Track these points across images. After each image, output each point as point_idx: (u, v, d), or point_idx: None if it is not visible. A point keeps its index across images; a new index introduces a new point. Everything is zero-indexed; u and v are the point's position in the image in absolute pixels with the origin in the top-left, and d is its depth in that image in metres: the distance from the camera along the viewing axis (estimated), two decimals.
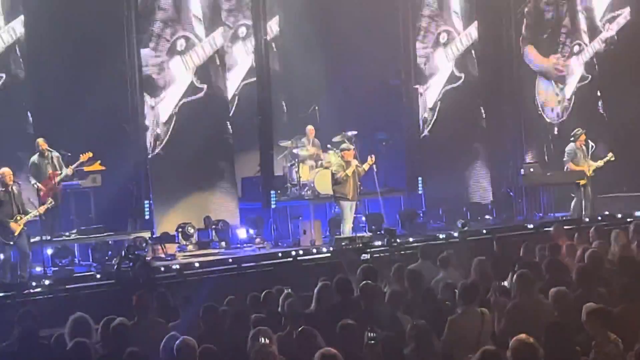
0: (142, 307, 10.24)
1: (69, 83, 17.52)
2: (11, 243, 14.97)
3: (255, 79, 19.99)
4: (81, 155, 16.53)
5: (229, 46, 20.26)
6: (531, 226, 18.91)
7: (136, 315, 10.13)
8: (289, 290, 11.02)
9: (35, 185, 16.27)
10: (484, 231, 18.52)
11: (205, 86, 18.84)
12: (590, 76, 23.71)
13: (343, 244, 16.75)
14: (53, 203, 15.75)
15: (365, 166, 17.78)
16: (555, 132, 23.22)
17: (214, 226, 18.02)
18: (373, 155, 17.96)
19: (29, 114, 17.29)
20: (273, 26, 21.07)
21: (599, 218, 19.27)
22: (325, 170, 18.67)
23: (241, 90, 20.50)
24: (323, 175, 18.73)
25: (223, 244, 17.87)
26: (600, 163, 20.36)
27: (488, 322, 9.64)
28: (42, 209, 15.55)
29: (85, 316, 9.58)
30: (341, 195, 17.58)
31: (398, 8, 21.16)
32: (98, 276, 15.06)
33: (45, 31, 17.55)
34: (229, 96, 19.71)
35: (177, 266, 15.56)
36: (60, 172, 16.42)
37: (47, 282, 14.63)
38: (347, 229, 17.55)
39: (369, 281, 10.75)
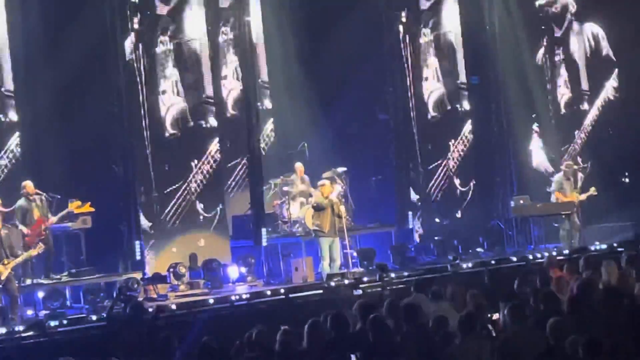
0: (135, 349, 10.19)
1: (58, 123, 17.56)
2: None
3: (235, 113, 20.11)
4: (69, 203, 16.52)
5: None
6: (522, 258, 18.91)
7: (129, 357, 10.07)
8: (286, 327, 10.96)
9: (21, 230, 16.17)
10: (476, 264, 18.50)
11: (182, 125, 18.80)
12: None
13: (335, 279, 16.71)
14: (44, 248, 15.71)
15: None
16: None
17: (200, 266, 17.93)
18: None
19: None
20: (261, 63, 21.16)
21: (590, 248, 19.29)
22: None
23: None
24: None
25: (215, 283, 17.79)
26: (583, 197, 20.41)
27: (486, 353, 9.64)
28: (32, 252, 15.48)
29: None
30: (317, 228, 17.47)
31: (385, 44, 21.29)
32: (93, 317, 14.98)
33: (35, 69, 17.62)
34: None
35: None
36: (48, 217, 16.38)
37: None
38: (325, 266, 17.44)
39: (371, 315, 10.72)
